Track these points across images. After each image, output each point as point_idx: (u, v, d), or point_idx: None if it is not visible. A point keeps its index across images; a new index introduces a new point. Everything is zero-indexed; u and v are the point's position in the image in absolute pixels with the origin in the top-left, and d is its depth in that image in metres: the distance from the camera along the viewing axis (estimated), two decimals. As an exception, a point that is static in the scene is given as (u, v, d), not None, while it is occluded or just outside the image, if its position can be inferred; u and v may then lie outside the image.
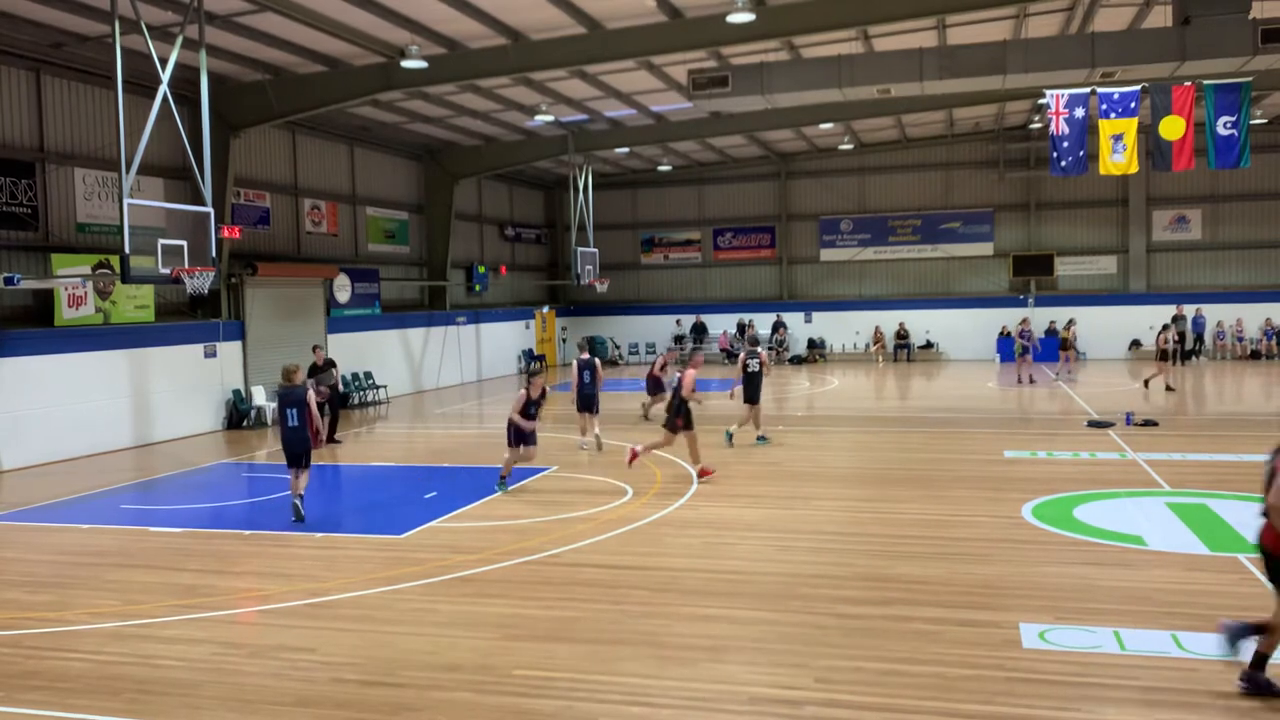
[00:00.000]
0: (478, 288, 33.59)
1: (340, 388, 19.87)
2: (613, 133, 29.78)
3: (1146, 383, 24.90)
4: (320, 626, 8.30)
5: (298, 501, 12.36)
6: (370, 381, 26.64)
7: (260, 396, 22.47)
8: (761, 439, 17.57)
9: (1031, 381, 27.04)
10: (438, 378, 30.57)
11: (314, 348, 20.08)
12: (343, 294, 26.17)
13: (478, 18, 18.19)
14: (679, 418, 14.32)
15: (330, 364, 19.49)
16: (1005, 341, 35.61)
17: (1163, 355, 24.68)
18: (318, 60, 20.25)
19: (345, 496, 14.89)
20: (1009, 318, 36.18)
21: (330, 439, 19.25)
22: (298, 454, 12.46)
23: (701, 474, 14.33)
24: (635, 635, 7.88)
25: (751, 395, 17.51)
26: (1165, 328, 25.78)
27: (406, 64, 19.13)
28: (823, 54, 20.72)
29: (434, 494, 13.89)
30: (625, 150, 32.38)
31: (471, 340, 32.82)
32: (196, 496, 14.49)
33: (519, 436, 13.87)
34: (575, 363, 18.01)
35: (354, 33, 18.29)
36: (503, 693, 6.82)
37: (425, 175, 31.07)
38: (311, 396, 12.60)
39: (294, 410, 12.39)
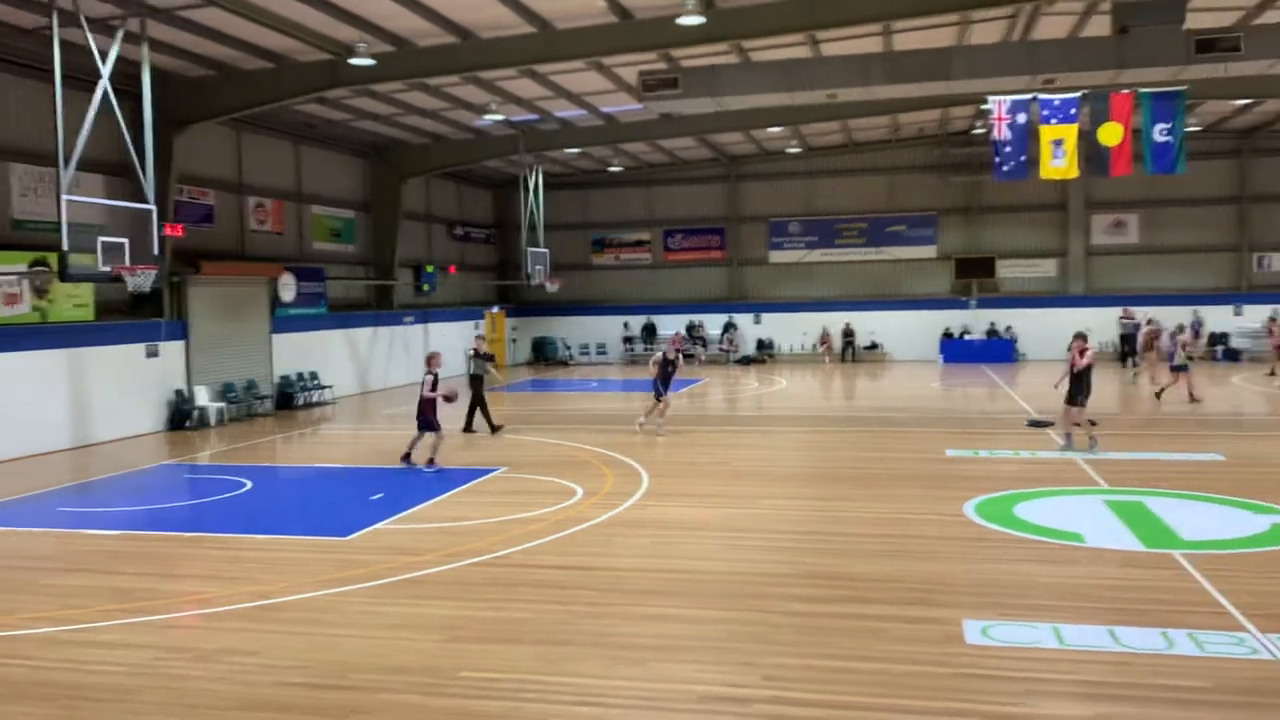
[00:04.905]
0: (426, 287, 33.33)
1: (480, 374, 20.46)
2: (563, 133, 29.72)
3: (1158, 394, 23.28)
4: (265, 630, 8.20)
5: (415, 456, 15.78)
6: (316, 382, 26.32)
7: (203, 397, 22.10)
8: None
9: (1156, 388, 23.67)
10: (385, 378, 30.29)
11: (478, 336, 22.10)
12: (288, 293, 25.80)
13: (426, 15, 18.06)
14: None
15: (475, 353, 20.81)
16: (948, 342, 36.17)
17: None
18: (262, 56, 19.97)
19: (290, 498, 14.70)
20: (951, 319, 36.75)
21: (492, 427, 19.61)
22: (419, 422, 15.91)
23: None
24: (584, 636, 7.88)
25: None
26: (1182, 329, 24.92)
27: (354, 61, 18.94)
28: (772, 58, 20.91)
29: (380, 495, 13.76)
30: (576, 150, 32.35)
31: (419, 340, 32.56)
32: (137, 499, 14.19)
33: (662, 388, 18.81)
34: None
35: (300, 29, 18.07)
36: (450, 695, 6.79)
37: (372, 173, 30.75)
38: (429, 380, 15.68)
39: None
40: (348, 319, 28.77)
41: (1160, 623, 7.76)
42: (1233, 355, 33.58)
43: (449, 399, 15.92)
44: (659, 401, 19.03)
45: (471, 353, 20.78)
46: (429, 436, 15.79)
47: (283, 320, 25.64)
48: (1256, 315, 33.73)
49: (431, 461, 15.52)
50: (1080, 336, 16.50)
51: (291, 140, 27.13)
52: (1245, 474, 13.98)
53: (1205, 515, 11.54)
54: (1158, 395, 22.79)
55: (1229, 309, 34.66)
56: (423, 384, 15.91)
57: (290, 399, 25.24)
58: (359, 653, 7.57)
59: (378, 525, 11.87)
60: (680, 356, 20.60)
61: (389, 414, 24.13)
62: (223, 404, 22.56)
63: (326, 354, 27.39)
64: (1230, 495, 12.43)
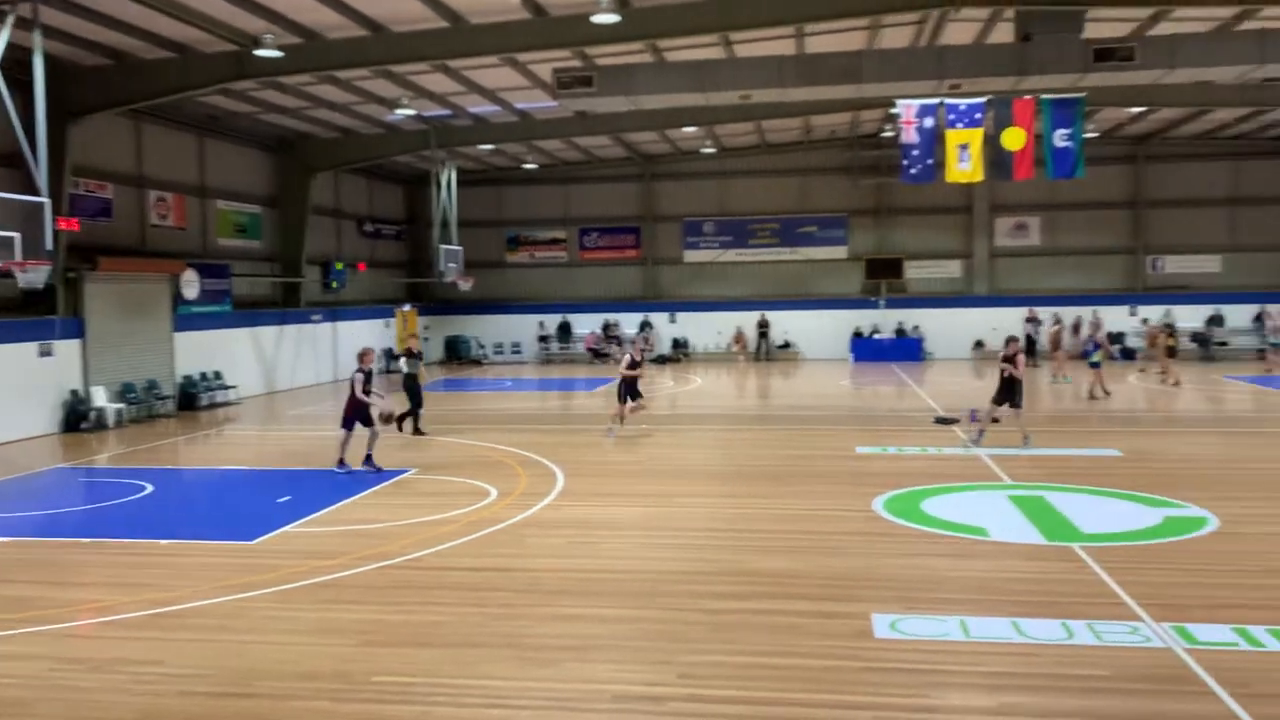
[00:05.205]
0: (334, 284, 32.66)
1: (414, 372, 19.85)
2: (476, 129, 29.45)
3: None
4: (167, 638, 7.94)
5: (343, 457, 15.11)
6: (220, 382, 25.61)
7: (101, 397, 21.33)
8: None
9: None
10: (292, 378, 29.61)
11: (411, 335, 22.24)
12: (191, 290, 25.06)
13: (336, 7, 17.70)
14: None
15: (409, 352, 20.39)
16: (859, 341, 36.82)
17: (1170, 352, 26.27)
18: (164, 46, 19.34)
19: (193, 501, 14.27)
20: (862, 319, 37.42)
21: (416, 430, 19.01)
22: (359, 420, 15.12)
23: None
24: (497, 638, 7.81)
25: None
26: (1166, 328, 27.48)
27: (260, 53, 18.47)
28: (686, 58, 21.02)
29: (288, 498, 13.45)
30: (489, 147, 32.07)
31: (328, 339, 31.93)
32: (30, 504, 13.62)
33: (630, 391, 18.12)
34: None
35: (203, 18, 17.55)
36: (361, 700, 6.66)
37: (280, 167, 30.01)
38: (359, 378, 15.05)
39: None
40: (253, 317, 28.06)
41: (1061, 614, 8.00)
42: (1128, 354, 34.83)
43: (385, 419, 15.56)
44: (637, 400, 18.71)
45: (405, 353, 20.49)
46: (343, 434, 15.25)
47: (185, 318, 24.90)
48: (1150, 315, 35.08)
49: (342, 462, 15.20)
50: (1012, 340, 16.84)
51: (195, 132, 26.35)
52: (1141, 469, 14.52)
53: (1103, 509, 11.94)
54: (1107, 394, 23.32)
55: (1125, 309, 35.99)
56: (352, 382, 15.23)
57: (193, 399, 24.50)
58: (266, 659, 7.39)
59: (285, 529, 11.60)
60: (645, 358, 20.55)
61: (295, 414, 23.63)
62: (122, 405, 21.80)
63: (231, 353, 26.68)
64: (1127, 489, 12.89)
